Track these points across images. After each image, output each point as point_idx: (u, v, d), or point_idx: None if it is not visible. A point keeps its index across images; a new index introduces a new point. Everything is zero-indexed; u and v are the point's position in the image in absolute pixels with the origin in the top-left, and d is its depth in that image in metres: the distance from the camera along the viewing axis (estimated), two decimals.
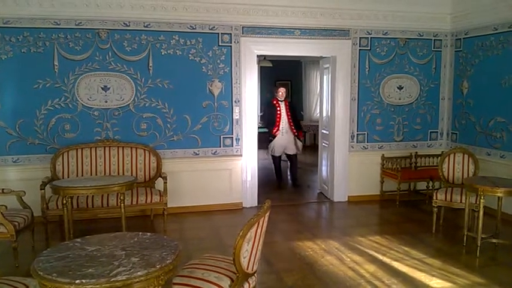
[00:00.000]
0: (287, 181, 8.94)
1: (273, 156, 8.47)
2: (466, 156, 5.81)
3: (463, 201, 5.28)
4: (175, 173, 6.31)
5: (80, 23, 5.96)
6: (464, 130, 7.21)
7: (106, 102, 6.15)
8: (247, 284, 3.03)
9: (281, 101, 8.10)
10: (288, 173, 8.99)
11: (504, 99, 6.33)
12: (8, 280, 2.93)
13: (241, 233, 2.80)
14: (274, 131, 8.04)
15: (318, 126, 8.96)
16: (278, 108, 8.05)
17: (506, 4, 6.15)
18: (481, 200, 4.83)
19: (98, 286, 2.37)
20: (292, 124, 8.09)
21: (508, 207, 5.14)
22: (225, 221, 6.16)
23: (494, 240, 5.09)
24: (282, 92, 8.11)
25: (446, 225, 5.86)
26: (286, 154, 8.39)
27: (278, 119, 8.01)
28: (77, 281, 2.39)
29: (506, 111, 6.31)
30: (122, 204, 4.99)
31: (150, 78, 6.27)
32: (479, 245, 4.87)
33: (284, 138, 8.12)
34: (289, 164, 8.66)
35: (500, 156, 6.41)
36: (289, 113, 8.10)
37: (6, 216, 4.32)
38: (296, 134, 8.15)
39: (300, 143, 8.23)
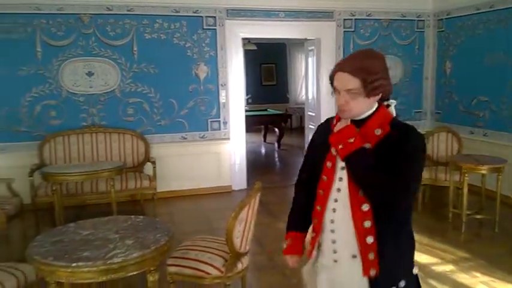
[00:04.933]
0: (274, 162, 8.98)
1: None
2: (449, 135, 5.93)
3: (448, 179, 5.41)
4: (164, 158, 6.29)
5: (62, 7, 5.85)
6: (447, 109, 7.32)
7: (91, 87, 6.09)
8: (240, 264, 3.09)
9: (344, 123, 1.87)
10: None
11: (486, 78, 6.43)
12: (3, 266, 2.94)
13: (233, 214, 2.85)
14: (311, 243, 2.05)
15: (303, 108, 9.01)
16: (332, 153, 1.91)
17: None
18: (465, 178, 4.95)
19: (94, 268, 2.39)
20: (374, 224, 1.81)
21: (491, 184, 5.27)
22: (215, 204, 6.20)
23: (478, 216, 5.24)
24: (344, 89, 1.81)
25: (431, 203, 5.98)
26: None
27: (323, 195, 1.94)
28: (73, 264, 2.40)
29: (488, 90, 6.41)
30: (112, 190, 4.99)
31: (135, 62, 6.21)
32: (464, 221, 5.02)
33: (337, 273, 1.93)
34: None
35: (483, 134, 6.54)
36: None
37: None
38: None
39: None
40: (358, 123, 1.85)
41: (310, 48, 7.61)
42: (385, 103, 1.90)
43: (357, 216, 1.81)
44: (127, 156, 6.03)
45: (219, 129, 6.71)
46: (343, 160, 1.83)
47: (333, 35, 7.04)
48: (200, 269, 2.97)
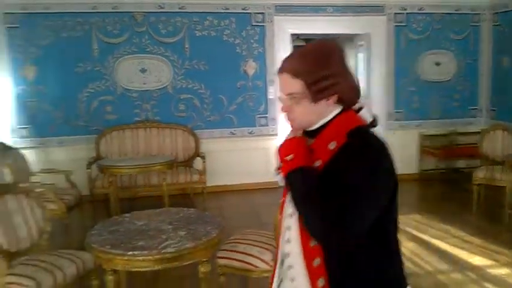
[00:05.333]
0: None
1: None
2: (505, 133, 5.69)
3: (504, 178, 5.20)
4: (213, 153, 6.38)
5: (116, 6, 6.08)
6: (503, 106, 7.01)
7: (145, 84, 6.29)
8: None
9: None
10: None
11: None
12: (64, 253, 3.11)
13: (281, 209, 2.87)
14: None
15: None
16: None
17: None
18: None
19: (150, 257, 2.49)
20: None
21: None
22: (263, 199, 6.24)
23: None
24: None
25: (486, 204, 5.75)
26: None
27: (280, 219, 1.59)
28: (129, 253, 2.51)
29: None
30: (164, 183, 5.15)
31: (187, 59, 6.35)
32: None
33: None
34: None
35: None
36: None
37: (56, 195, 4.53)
38: None
39: None
40: (314, 133, 1.46)
41: (359, 43, 7.49)
42: (356, 106, 1.48)
43: (306, 252, 1.40)
44: (178, 151, 6.18)
45: (267, 125, 6.74)
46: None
47: (384, 29, 6.90)
48: (249, 262, 3.01)
